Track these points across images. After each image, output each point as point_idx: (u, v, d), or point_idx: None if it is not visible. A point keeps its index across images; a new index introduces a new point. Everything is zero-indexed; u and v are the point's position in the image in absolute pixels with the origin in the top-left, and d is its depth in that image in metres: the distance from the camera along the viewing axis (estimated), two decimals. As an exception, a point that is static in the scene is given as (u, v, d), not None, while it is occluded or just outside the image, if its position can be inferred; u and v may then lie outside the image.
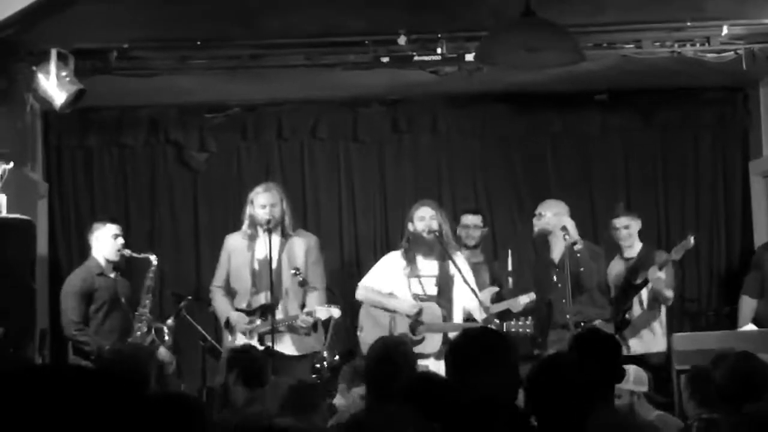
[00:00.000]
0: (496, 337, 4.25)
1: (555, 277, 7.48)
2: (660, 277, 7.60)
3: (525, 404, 3.80)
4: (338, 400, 6.02)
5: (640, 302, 7.79)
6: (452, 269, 7.27)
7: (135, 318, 7.45)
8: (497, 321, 7.08)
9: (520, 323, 6.99)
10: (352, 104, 9.12)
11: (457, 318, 7.28)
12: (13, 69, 7.06)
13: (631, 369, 6.21)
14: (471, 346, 4.05)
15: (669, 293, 7.73)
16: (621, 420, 4.15)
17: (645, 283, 7.68)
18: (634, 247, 7.99)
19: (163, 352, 7.35)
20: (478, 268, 8.04)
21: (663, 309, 7.86)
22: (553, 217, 7.60)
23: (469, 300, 7.25)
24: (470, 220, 8.30)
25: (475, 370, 3.92)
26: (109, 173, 9.10)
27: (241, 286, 7.46)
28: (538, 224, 7.68)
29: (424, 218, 7.34)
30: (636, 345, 7.69)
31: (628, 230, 7.97)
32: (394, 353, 4.86)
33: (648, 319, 7.79)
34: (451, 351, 4.19)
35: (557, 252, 7.58)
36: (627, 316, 7.74)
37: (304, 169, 9.22)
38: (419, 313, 7.18)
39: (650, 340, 7.77)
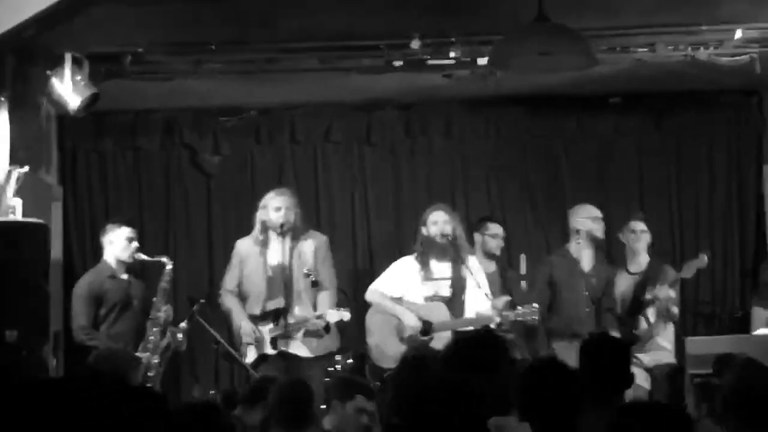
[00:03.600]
0: (492, 340, 4.28)
1: (585, 286, 7.54)
2: (671, 296, 7.62)
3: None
4: (330, 420, 5.23)
5: (646, 318, 7.77)
6: (465, 272, 7.31)
7: (149, 322, 7.46)
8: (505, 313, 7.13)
9: (526, 311, 7.05)
10: (365, 107, 9.12)
11: None
12: (27, 73, 7.08)
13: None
14: (466, 350, 4.09)
15: (676, 310, 7.75)
16: None
17: (654, 300, 7.67)
18: (639, 260, 7.96)
19: (179, 336, 7.36)
20: (491, 276, 8.06)
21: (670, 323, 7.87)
22: (577, 221, 7.70)
23: (481, 303, 7.28)
24: (498, 229, 8.23)
25: (470, 373, 3.94)
26: (124, 176, 9.11)
27: (253, 291, 7.50)
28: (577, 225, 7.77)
29: (437, 222, 7.40)
30: (644, 358, 7.68)
31: (645, 236, 7.96)
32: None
33: (655, 334, 7.78)
34: (445, 355, 4.22)
35: (586, 260, 7.64)
36: (635, 331, 7.72)
37: (317, 173, 9.22)
38: (422, 332, 7.24)
39: (658, 353, 7.77)
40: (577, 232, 7.85)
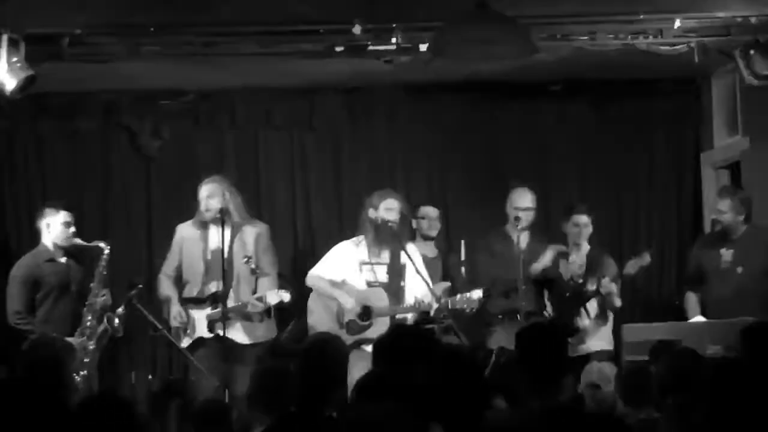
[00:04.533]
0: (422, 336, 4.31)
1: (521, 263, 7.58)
2: (613, 290, 7.69)
3: None
4: None
5: (586, 310, 7.83)
6: (404, 258, 7.34)
7: (86, 307, 7.39)
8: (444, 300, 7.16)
9: (466, 298, 7.09)
10: (307, 92, 9.09)
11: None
12: (-38, 54, 6.98)
13: (605, 366, 6.29)
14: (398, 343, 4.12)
15: (618, 302, 7.82)
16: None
17: (597, 292, 7.73)
18: (581, 252, 8.02)
19: (116, 321, 7.31)
20: (434, 262, 8.08)
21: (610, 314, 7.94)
22: (510, 210, 7.74)
23: (419, 288, 7.32)
24: (433, 212, 8.30)
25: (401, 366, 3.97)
26: (62, 159, 9.00)
27: (193, 275, 7.52)
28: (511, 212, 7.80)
29: (392, 209, 7.42)
30: (581, 347, 7.74)
31: (587, 229, 8.01)
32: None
33: (597, 326, 7.85)
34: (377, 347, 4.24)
35: (522, 240, 7.70)
36: (575, 323, 7.77)
37: (258, 157, 9.18)
38: (361, 314, 7.26)
39: (596, 340, 7.83)
40: (516, 218, 7.87)
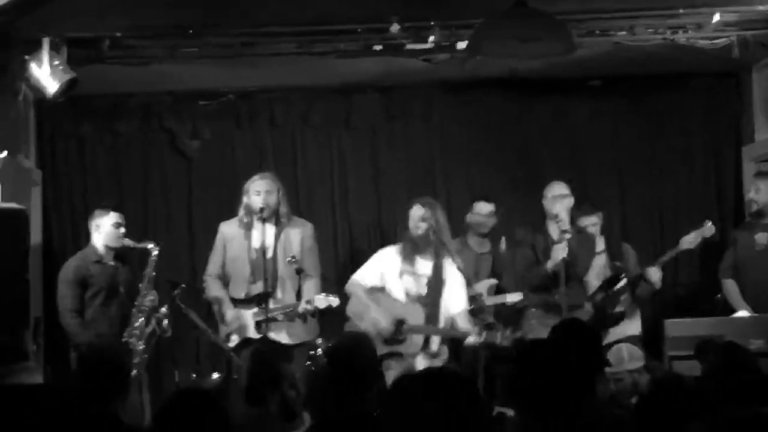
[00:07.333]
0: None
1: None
2: (657, 278, 7.60)
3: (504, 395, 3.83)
4: None
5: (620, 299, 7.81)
6: (446, 272, 7.28)
7: (134, 308, 7.44)
8: (479, 333, 7.08)
9: (501, 334, 7.03)
10: (345, 91, 9.11)
11: (442, 321, 7.31)
12: (5, 58, 7.06)
13: (624, 348, 6.28)
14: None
15: (659, 286, 7.76)
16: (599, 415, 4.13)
17: (636, 281, 7.68)
18: (598, 242, 8.00)
19: (164, 322, 7.35)
20: (484, 258, 8.07)
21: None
22: (551, 200, 7.65)
23: (456, 306, 7.26)
24: (484, 207, 8.29)
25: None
26: (102, 161, 9.10)
27: (238, 274, 7.50)
28: (546, 205, 7.70)
29: (413, 218, 7.34)
30: (611, 333, 7.71)
31: (595, 227, 7.98)
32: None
33: (632, 312, 7.82)
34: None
35: (555, 237, 7.62)
36: (616, 311, 7.73)
37: (296, 156, 9.22)
38: (395, 330, 7.21)
39: (627, 326, 7.79)
40: (556, 215, 7.80)
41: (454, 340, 7.38)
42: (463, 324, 7.22)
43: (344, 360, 4.65)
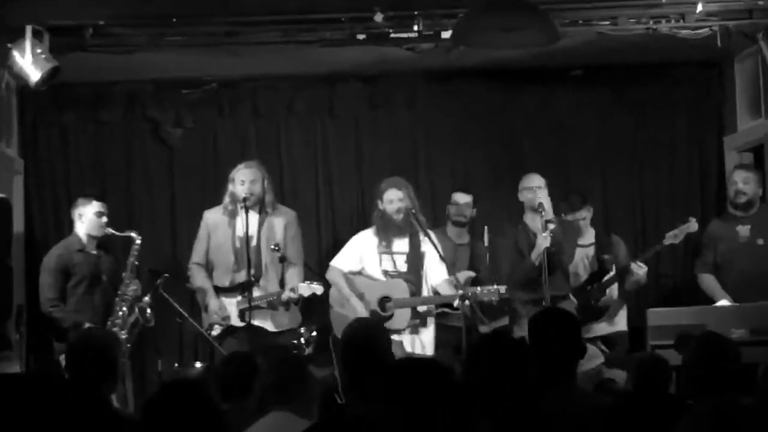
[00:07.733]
0: None
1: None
2: (642, 273, 7.65)
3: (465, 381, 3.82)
4: None
5: (609, 291, 7.85)
6: (423, 246, 7.35)
7: (117, 298, 7.44)
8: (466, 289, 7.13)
9: (488, 290, 7.07)
10: (329, 80, 9.10)
11: (425, 293, 7.39)
12: (-13, 46, 7.03)
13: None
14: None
15: (645, 280, 7.82)
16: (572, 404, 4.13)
17: (624, 273, 7.72)
18: (587, 234, 8.03)
19: (147, 312, 7.34)
20: (462, 249, 8.09)
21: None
22: (529, 192, 7.65)
23: (436, 277, 7.34)
24: (461, 198, 8.31)
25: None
26: (85, 150, 9.06)
27: (222, 262, 7.52)
28: (521, 197, 7.70)
29: (393, 201, 7.42)
30: (598, 327, 7.75)
31: (585, 221, 8.02)
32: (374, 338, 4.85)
33: (619, 306, 7.87)
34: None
35: (535, 228, 7.62)
36: (601, 304, 7.77)
37: (280, 145, 9.21)
38: (380, 305, 7.28)
39: (613, 321, 7.84)
40: (539, 204, 7.81)
41: (447, 332, 7.47)
42: (446, 292, 7.30)
43: (355, 347, 4.71)
